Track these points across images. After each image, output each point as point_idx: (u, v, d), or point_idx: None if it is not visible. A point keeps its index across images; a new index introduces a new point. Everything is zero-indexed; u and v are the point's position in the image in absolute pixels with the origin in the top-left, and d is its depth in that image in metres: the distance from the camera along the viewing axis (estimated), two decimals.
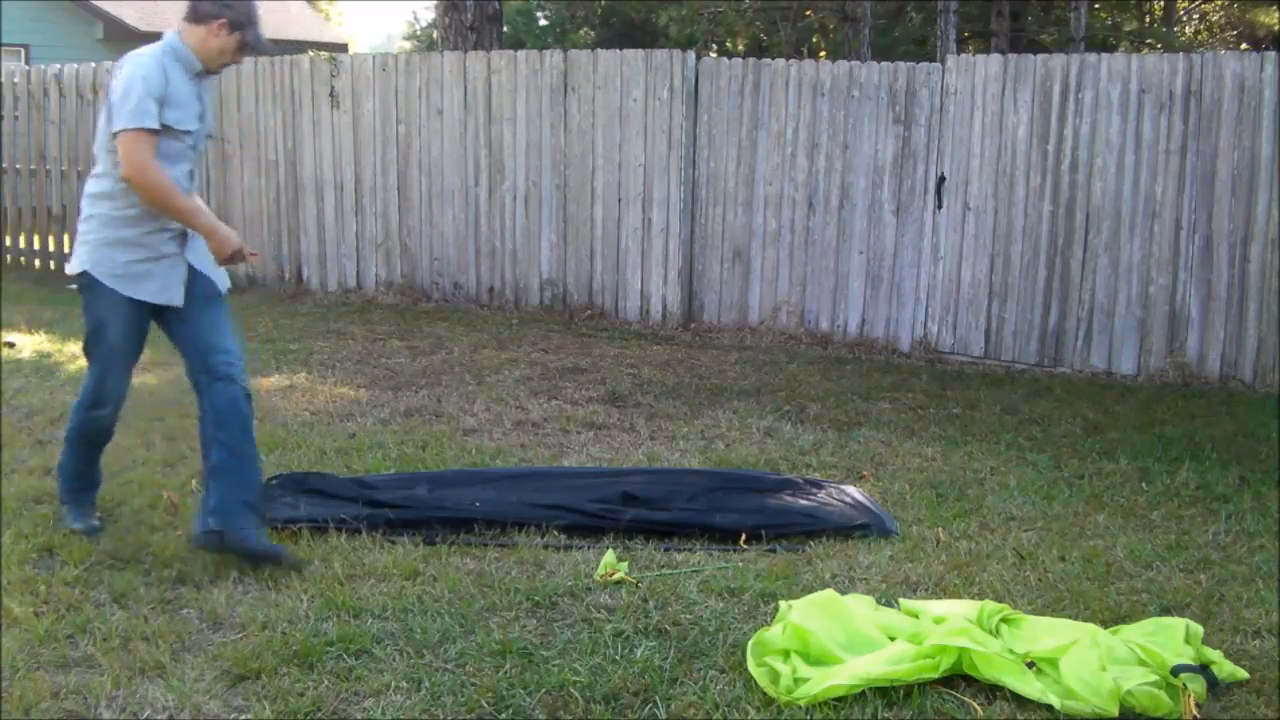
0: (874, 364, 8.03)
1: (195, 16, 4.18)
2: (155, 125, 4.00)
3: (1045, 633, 3.42)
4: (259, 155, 10.37)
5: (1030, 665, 3.24)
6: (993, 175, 8.00)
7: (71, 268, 4.18)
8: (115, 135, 4.02)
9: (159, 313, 4.26)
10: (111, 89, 4.09)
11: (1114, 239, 7.70)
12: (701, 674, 3.29)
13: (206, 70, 4.22)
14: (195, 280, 4.25)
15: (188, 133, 4.16)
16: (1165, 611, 3.75)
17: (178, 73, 4.13)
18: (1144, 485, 5.26)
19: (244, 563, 3.95)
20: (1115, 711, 3.07)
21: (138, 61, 4.08)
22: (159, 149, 4.04)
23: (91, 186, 4.21)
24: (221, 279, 4.35)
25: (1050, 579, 4.07)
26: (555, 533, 4.36)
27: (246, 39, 4.22)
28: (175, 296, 4.21)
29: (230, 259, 4.21)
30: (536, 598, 3.78)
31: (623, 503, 4.56)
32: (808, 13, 18.33)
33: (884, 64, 8.41)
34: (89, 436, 4.33)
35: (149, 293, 4.17)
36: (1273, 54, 7.32)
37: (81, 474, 4.38)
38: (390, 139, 9.84)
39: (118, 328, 4.18)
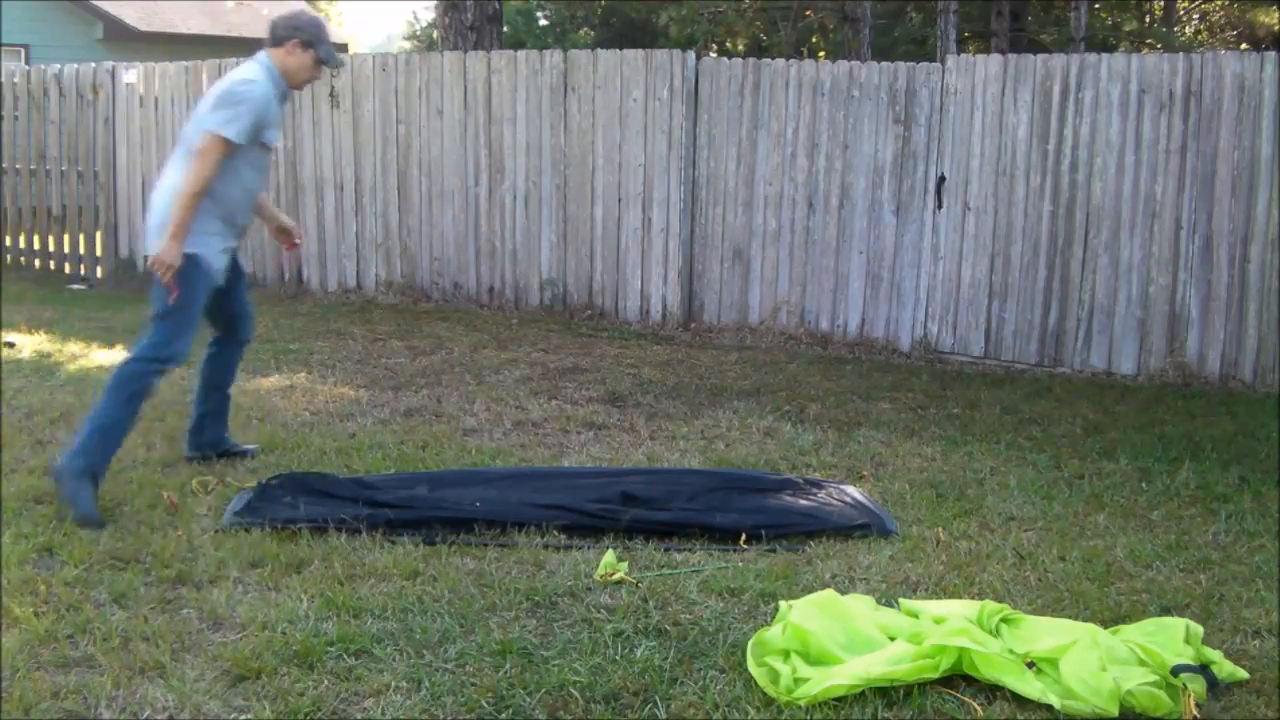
0: (874, 364, 8.03)
1: (274, 40, 4.82)
2: (240, 139, 4.64)
3: (1045, 633, 3.42)
4: None
5: (1030, 665, 3.24)
6: (993, 175, 8.00)
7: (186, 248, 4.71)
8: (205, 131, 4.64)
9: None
10: (219, 92, 4.71)
11: (1114, 239, 7.71)
12: (701, 674, 3.29)
13: (290, 88, 4.89)
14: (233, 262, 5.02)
15: (272, 146, 4.87)
16: (1165, 611, 3.75)
17: (274, 94, 4.79)
18: (1144, 485, 5.26)
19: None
20: (1115, 711, 3.07)
21: (253, 87, 4.70)
22: (250, 160, 4.76)
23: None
24: (238, 263, 5.12)
25: (1050, 579, 4.07)
26: (555, 533, 4.36)
27: (319, 55, 4.82)
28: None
29: (164, 271, 4.63)
30: (536, 598, 3.78)
31: (623, 503, 4.56)
32: (808, 13, 18.33)
33: (884, 64, 8.41)
34: (144, 398, 4.76)
35: (218, 275, 4.88)
36: (1273, 54, 7.33)
37: (118, 441, 4.69)
38: (390, 139, 9.84)
39: (199, 299, 4.79)
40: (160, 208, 4.68)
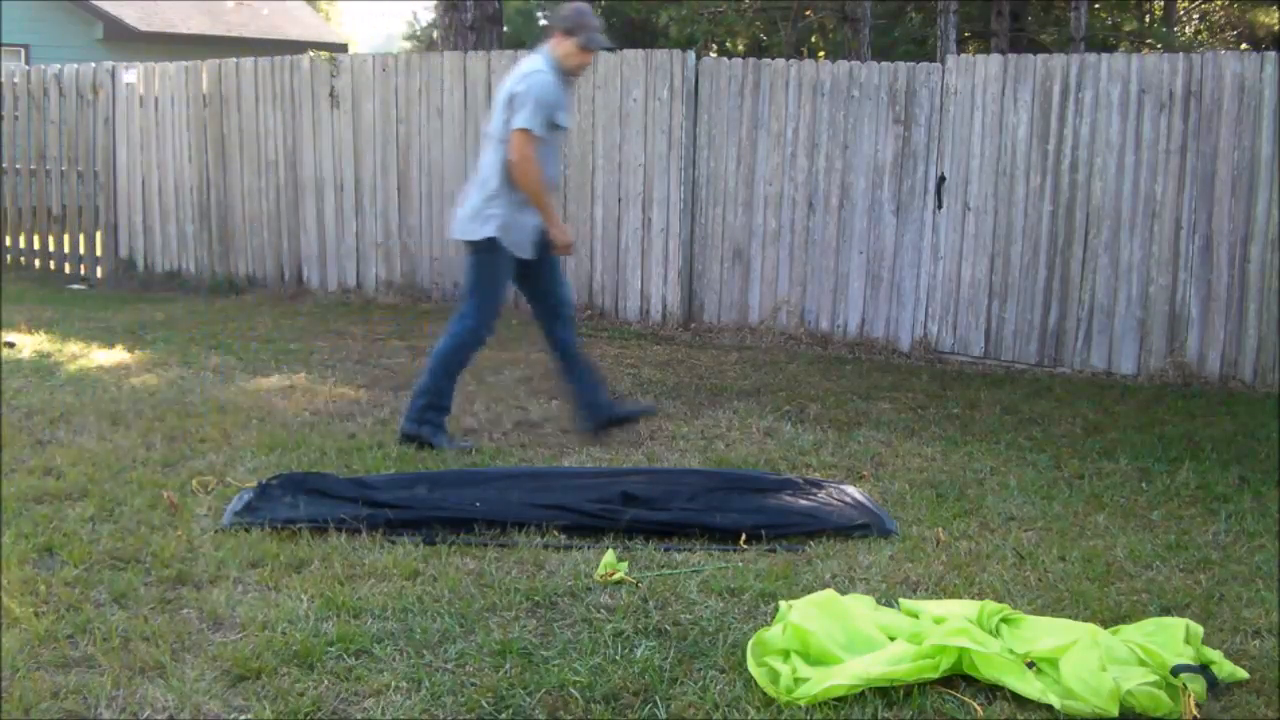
0: (874, 364, 8.03)
1: (548, 31, 5.41)
2: (541, 131, 5.17)
3: (1045, 633, 3.42)
4: (259, 155, 10.37)
5: (1030, 665, 3.24)
6: (993, 175, 8.00)
7: (484, 231, 5.35)
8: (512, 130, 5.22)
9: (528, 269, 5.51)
10: (514, 94, 5.23)
11: (1114, 239, 7.71)
12: (701, 674, 3.29)
13: (569, 75, 5.32)
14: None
15: (564, 130, 5.39)
16: (1165, 611, 3.75)
17: (560, 81, 5.27)
18: (1144, 485, 5.26)
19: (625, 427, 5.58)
20: (1115, 711, 3.07)
21: (540, 78, 5.20)
22: (546, 143, 5.23)
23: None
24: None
25: (1050, 579, 4.07)
26: (555, 533, 4.36)
27: (581, 41, 5.23)
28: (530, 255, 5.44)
29: (562, 252, 5.52)
30: (536, 598, 3.78)
31: (623, 503, 4.56)
32: (808, 13, 18.32)
33: (884, 64, 8.41)
34: (461, 366, 5.51)
35: (523, 252, 5.38)
36: (1273, 54, 7.32)
37: (444, 406, 5.50)
38: (390, 139, 9.84)
39: (505, 274, 5.42)
40: (472, 199, 5.38)
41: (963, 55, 8.53)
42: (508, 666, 3.30)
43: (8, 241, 12.04)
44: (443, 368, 5.47)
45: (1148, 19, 20.26)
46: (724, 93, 8.76)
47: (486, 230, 5.34)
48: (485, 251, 5.36)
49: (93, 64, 11.23)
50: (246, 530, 4.30)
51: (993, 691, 3.20)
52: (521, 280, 5.57)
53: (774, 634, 3.38)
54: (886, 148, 8.28)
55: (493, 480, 4.88)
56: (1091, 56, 7.87)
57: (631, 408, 5.90)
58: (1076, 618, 3.67)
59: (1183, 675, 3.16)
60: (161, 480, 4.89)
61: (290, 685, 3.18)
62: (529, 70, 5.26)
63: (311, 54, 10.47)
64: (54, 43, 18.83)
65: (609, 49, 5.48)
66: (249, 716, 3.04)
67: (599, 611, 3.69)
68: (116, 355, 7.61)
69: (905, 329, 8.36)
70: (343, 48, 23.21)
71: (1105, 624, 3.58)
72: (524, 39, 20.30)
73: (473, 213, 5.38)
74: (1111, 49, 15.95)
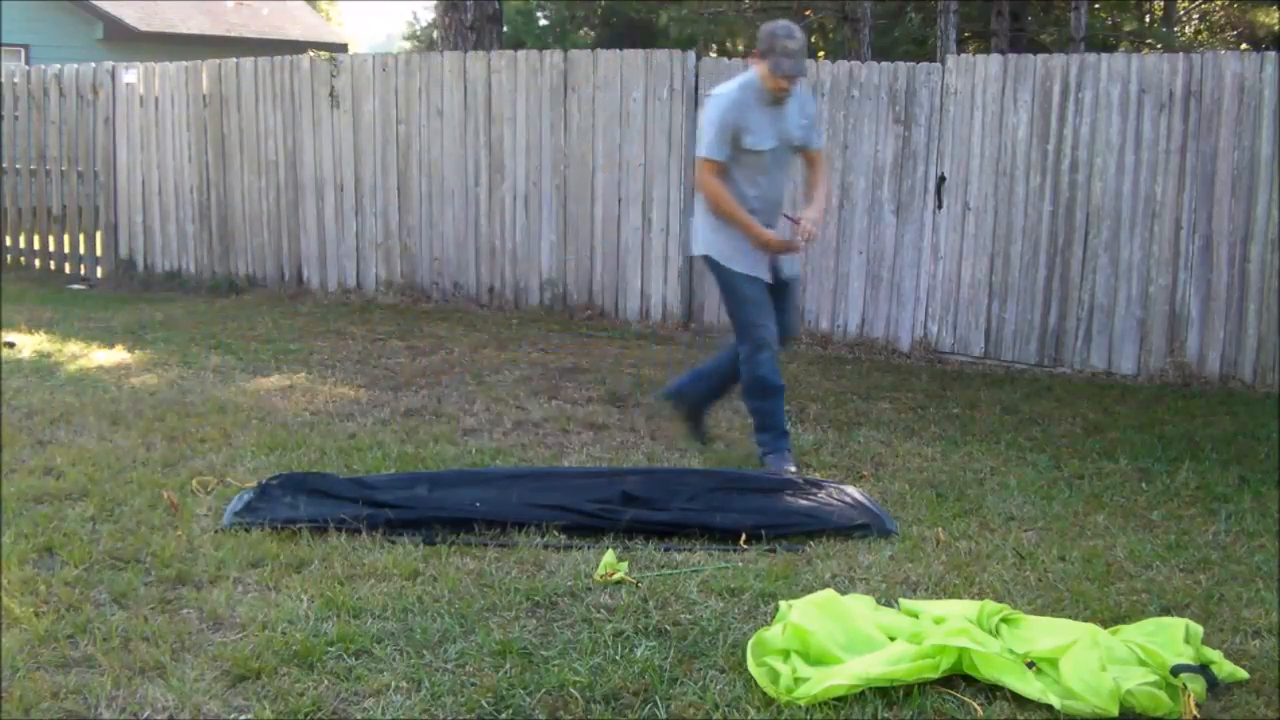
0: (874, 364, 8.03)
1: (752, 50, 5.29)
2: (717, 156, 5.13)
3: (1045, 633, 3.42)
4: (259, 155, 10.37)
5: (1030, 665, 3.24)
6: (993, 175, 8.00)
7: (696, 249, 5.48)
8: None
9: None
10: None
11: (1114, 239, 7.70)
12: (701, 674, 3.29)
13: (773, 95, 5.14)
14: (779, 266, 5.36)
15: (765, 151, 5.17)
16: (1165, 611, 3.75)
17: (754, 104, 5.15)
18: (1144, 485, 5.26)
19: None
20: (1115, 711, 3.07)
21: (714, 103, 5.20)
22: (742, 165, 5.17)
23: None
24: (794, 264, 5.49)
25: (1050, 579, 4.07)
26: (555, 533, 4.36)
27: (770, 65, 5.07)
28: (764, 274, 5.29)
29: (776, 251, 5.29)
30: (536, 598, 3.78)
31: (623, 503, 4.56)
32: (807, 13, 18.32)
33: (884, 64, 8.40)
34: (763, 387, 5.32)
35: (744, 267, 5.27)
36: (1273, 54, 7.32)
37: (772, 426, 5.37)
38: (390, 139, 9.84)
39: (748, 290, 5.28)
40: (698, 212, 5.42)
41: (963, 55, 8.53)
42: (508, 666, 3.30)
43: (8, 241, 12.05)
44: (748, 396, 5.44)
45: (1148, 19, 20.26)
46: None
47: (696, 248, 5.49)
48: (711, 268, 5.41)
49: (93, 64, 11.23)
50: (246, 530, 4.30)
51: (993, 691, 3.20)
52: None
53: (774, 634, 3.38)
54: (886, 148, 8.28)
55: (493, 480, 4.89)
56: (1091, 56, 7.87)
57: (700, 434, 5.74)
58: (1076, 618, 3.67)
59: (1183, 675, 3.16)
60: (161, 480, 4.90)
61: (290, 685, 3.19)
62: (712, 94, 5.32)
63: (311, 54, 10.48)
64: (54, 43, 18.83)
65: (795, 74, 5.13)
66: (249, 716, 3.05)
67: (599, 611, 3.69)
68: (116, 355, 7.61)
69: (905, 329, 8.36)
70: (343, 48, 23.22)
71: (1105, 624, 3.58)
72: (524, 39, 20.33)
73: (691, 229, 5.58)
74: (1111, 49, 15.95)
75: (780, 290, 5.37)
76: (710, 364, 5.74)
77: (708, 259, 5.39)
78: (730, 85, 5.24)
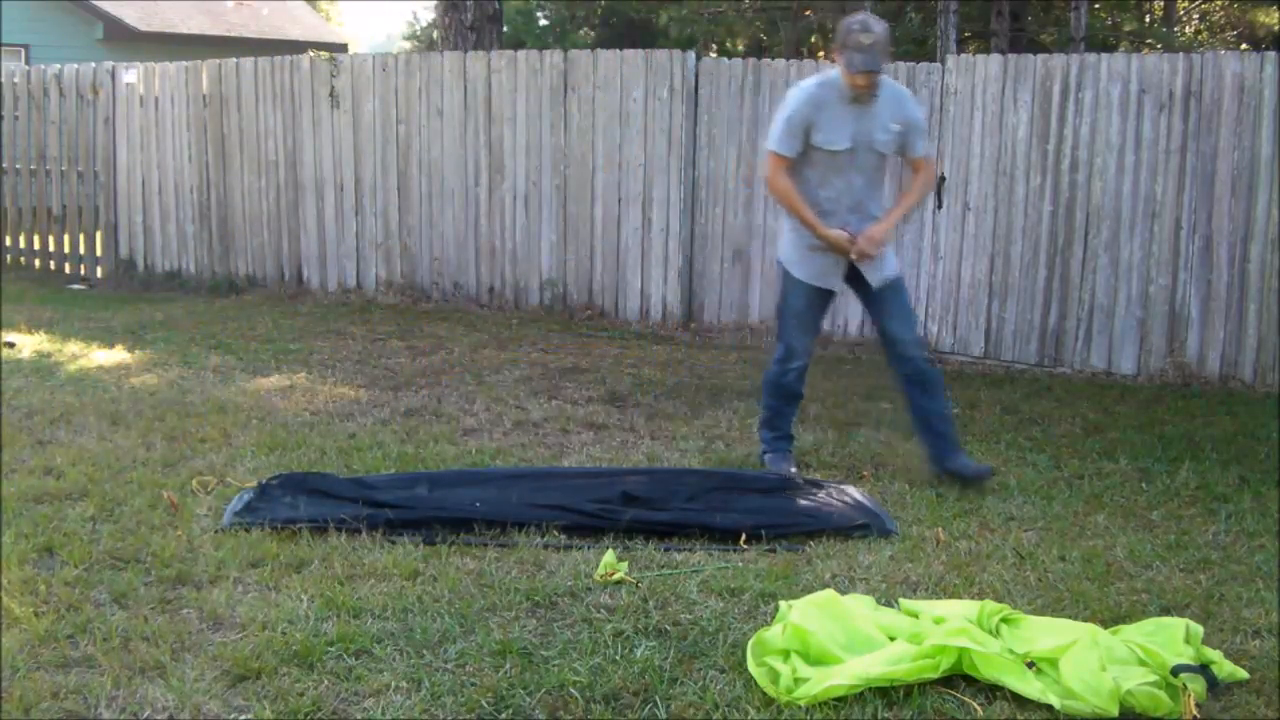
0: (874, 364, 8.01)
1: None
2: (785, 151, 4.99)
3: (1045, 633, 3.42)
4: (259, 155, 10.37)
5: (1030, 665, 3.24)
6: (993, 175, 8.00)
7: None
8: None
9: (861, 295, 5.24)
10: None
11: (1114, 239, 7.70)
12: (701, 674, 3.29)
13: (853, 93, 4.91)
14: (861, 274, 5.10)
15: (839, 151, 4.96)
16: (1165, 611, 3.75)
17: (832, 101, 4.94)
18: (1144, 485, 5.26)
19: (965, 486, 5.00)
20: (1115, 711, 3.07)
21: (789, 96, 5.05)
22: (814, 164, 5.01)
23: None
24: (882, 271, 5.13)
25: (1050, 579, 4.07)
26: (555, 533, 4.36)
27: (844, 62, 4.84)
28: (829, 284, 5.19)
29: (835, 251, 5.05)
30: (536, 598, 3.78)
31: (623, 503, 4.56)
32: (808, 12, 18.31)
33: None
34: (782, 390, 5.28)
35: (805, 275, 5.14)
36: (1273, 54, 7.32)
37: (778, 426, 5.34)
38: (390, 139, 9.84)
39: (796, 298, 5.18)
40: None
41: (963, 55, 8.53)
42: (508, 666, 3.30)
43: (8, 241, 12.05)
44: (766, 391, 5.38)
45: (1148, 19, 20.25)
46: (724, 93, 8.75)
47: (777, 252, 5.39)
48: (777, 268, 5.32)
49: (93, 64, 11.23)
50: (246, 530, 4.30)
51: (993, 691, 3.20)
52: (865, 308, 5.42)
53: (774, 634, 3.38)
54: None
55: (493, 480, 4.89)
56: (1091, 56, 7.87)
57: (975, 469, 5.18)
58: (1076, 618, 3.67)
59: (1183, 675, 3.16)
60: (161, 480, 4.89)
61: (290, 685, 3.18)
62: (790, 90, 5.15)
63: (311, 54, 10.48)
64: (54, 43, 18.83)
65: (868, 70, 4.80)
66: (249, 716, 3.05)
67: (599, 611, 3.69)
68: (116, 355, 7.61)
69: None
70: (343, 48, 23.22)
71: (1105, 624, 3.58)
72: (524, 39, 20.32)
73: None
74: (1111, 49, 15.94)
75: (877, 296, 5.15)
76: (915, 417, 5.27)
77: (778, 263, 5.30)
78: (811, 79, 5.08)
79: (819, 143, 4.97)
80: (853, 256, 5.04)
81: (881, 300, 5.16)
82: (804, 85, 5.05)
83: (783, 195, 5.07)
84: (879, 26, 4.81)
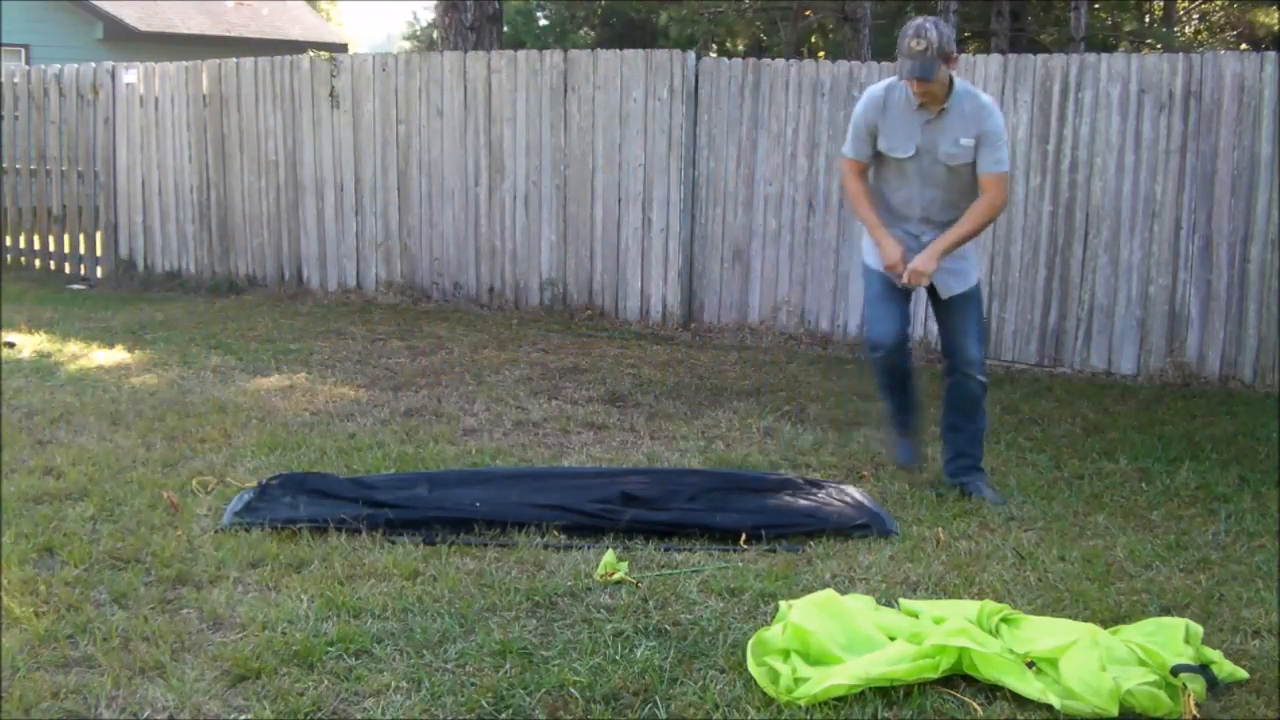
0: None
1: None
2: (850, 154, 4.98)
3: (1045, 633, 3.42)
4: (259, 155, 10.37)
5: (1030, 665, 3.24)
6: None
7: None
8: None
9: (930, 297, 5.12)
10: None
11: (1114, 239, 7.71)
12: (701, 674, 3.29)
13: (920, 100, 4.77)
14: (936, 283, 4.96)
15: (904, 159, 4.85)
16: (1165, 611, 3.75)
17: (898, 107, 4.83)
18: (1144, 485, 5.26)
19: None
20: (1115, 711, 3.07)
21: (860, 100, 4.96)
22: (884, 171, 4.96)
23: None
24: (948, 284, 4.98)
25: (1050, 579, 4.07)
26: (555, 533, 4.36)
27: (898, 68, 4.72)
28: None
29: (887, 266, 4.93)
30: (536, 598, 3.78)
31: (623, 503, 4.56)
32: (808, 13, 18.32)
33: (884, 64, 8.40)
34: (882, 378, 5.18)
35: (877, 263, 5.02)
36: (1273, 54, 7.33)
37: (900, 415, 5.29)
38: (390, 139, 9.84)
39: (873, 286, 5.08)
40: None
41: (963, 55, 8.53)
42: (508, 666, 3.30)
43: (8, 241, 12.05)
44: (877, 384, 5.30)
45: (1148, 19, 20.25)
46: (724, 93, 8.76)
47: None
48: (860, 261, 5.30)
49: (93, 64, 11.23)
50: (246, 530, 4.30)
51: (993, 691, 3.20)
52: (933, 310, 5.27)
53: (774, 634, 3.38)
54: None
55: (493, 480, 4.88)
56: (1091, 56, 7.87)
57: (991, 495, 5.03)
58: (1076, 618, 3.67)
59: (1183, 675, 3.16)
60: (161, 480, 4.89)
61: (290, 685, 3.18)
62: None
63: (311, 54, 10.48)
64: (54, 43, 18.83)
65: (915, 77, 4.63)
66: (249, 716, 3.04)
67: (599, 611, 3.69)
68: (116, 355, 7.61)
69: None
70: (343, 48, 23.21)
71: (1105, 624, 3.58)
72: (524, 39, 20.32)
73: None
74: (1111, 49, 15.95)
75: (944, 306, 5.04)
76: (946, 426, 5.24)
77: (862, 260, 5.26)
78: (881, 82, 4.94)
79: (883, 148, 4.88)
80: (900, 280, 4.89)
81: (948, 311, 5.03)
82: (872, 89, 4.93)
83: (850, 196, 5.10)
84: (934, 32, 4.58)
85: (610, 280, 9.23)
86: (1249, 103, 7.31)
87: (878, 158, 4.95)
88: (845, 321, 8.54)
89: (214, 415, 6.00)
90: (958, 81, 4.78)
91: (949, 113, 4.76)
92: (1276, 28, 18.86)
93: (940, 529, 4.52)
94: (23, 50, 19.01)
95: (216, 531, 4.31)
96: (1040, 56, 7.99)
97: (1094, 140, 7.71)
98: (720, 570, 4.05)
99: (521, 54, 9.46)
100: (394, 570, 3.98)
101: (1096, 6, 17.87)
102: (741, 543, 4.31)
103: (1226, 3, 19.99)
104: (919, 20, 4.71)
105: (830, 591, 3.62)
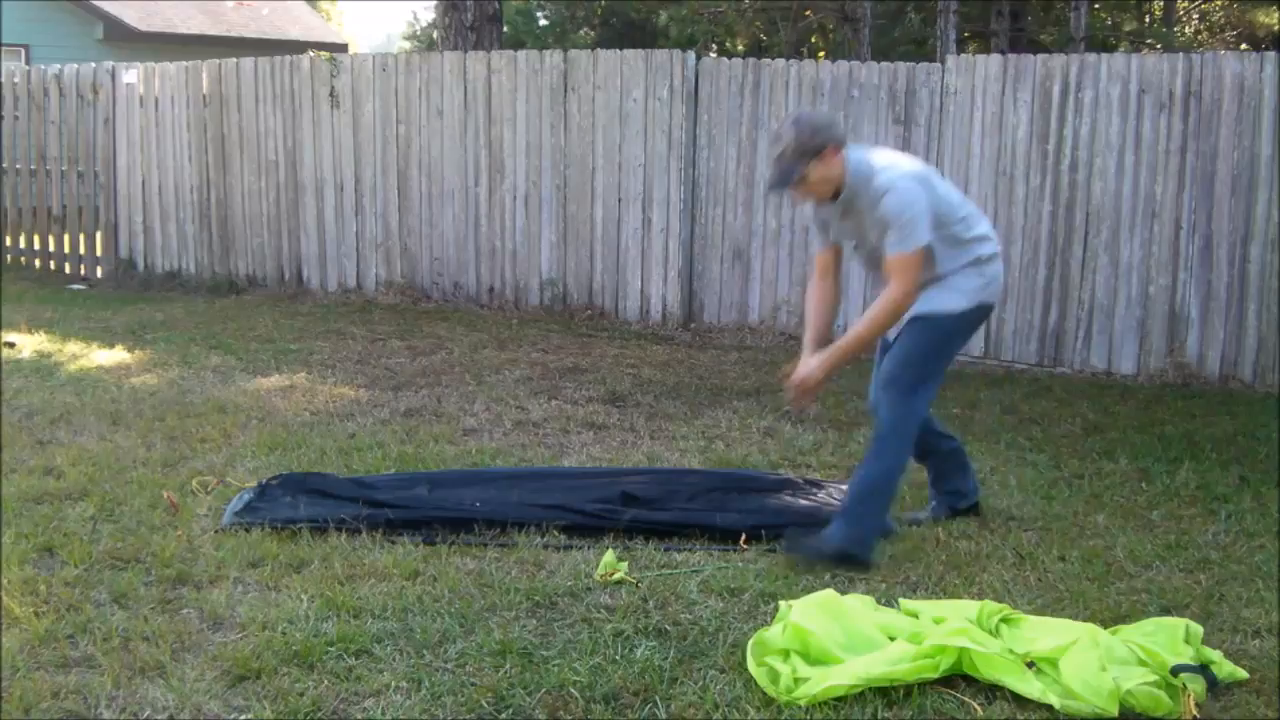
0: (874, 364, 8.01)
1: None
2: (817, 245, 4.74)
3: (1045, 633, 3.42)
4: (259, 155, 10.37)
5: (1030, 665, 3.24)
6: (992, 175, 8.00)
7: None
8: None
9: None
10: None
11: (1114, 239, 7.71)
12: (701, 674, 3.29)
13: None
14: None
15: (854, 249, 4.63)
16: (1165, 611, 3.74)
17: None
18: (1144, 485, 5.26)
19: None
20: (1115, 711, 3.06)
21: None
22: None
23: None
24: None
25: (1050, 579, 4.07)
26: (555, 533, 4.36)
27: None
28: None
29: (781, 379, 4.73)
30: (536, 598, 3.78)
31: (623, 503, 4.56)
32: (808, 13, 18.32)
33: (884, 64, 8.40)
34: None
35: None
36: (1273, 54, 7.33)
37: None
38: (390, 139, 9.84)
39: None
40: None
41: (962, 55, 8.53)
42: (508, 666, 3.30)
43: (8, 241, 12.04)
44: None
45: (1148, 19, 20.26)
46: (724, 93, 8.76)
47: None
48: None
49: (93, 64, 11.23)
50: (246, 530, 4.30)
51: (993, 691, 3.20)
52: None
53: (774, 634, 3.38)
54: (886, 147, 8.27)
55: (493, 480, 4.88)
56: (1091, 56, 7.87)
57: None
58: (1076, 618, 3.67)
59: (1183, 675, 3.16)
60: (161, 480, 4.89)
61: (290, 685, 3.18)
62: None
63: (311, 54, 10.47)
64: (54, 43, 18.83)
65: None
66: (249, 716, 3.04)
67: (599, 611, 3.69)
68: (116, 355, 7.61)
69: None
70: (343, 48, 23.21)
71: (1105, 624, 3.58)
72: (524, 39, 20.32)
73: None
74: (1111, 49, 15.95)
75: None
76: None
77: None
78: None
79: (835, 240, 4.59)
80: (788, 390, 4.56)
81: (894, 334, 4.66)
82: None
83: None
84: (791, 131, 4.14)
85: (610, 280, 9.23)
86: (1249, 103, 7.31)
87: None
88: (845, 322, 8.53)
89: (214, 415, 6.00)
90: (851, 164, 4.22)
91: (855, 200, 4.26)
92: (1276, 28, 18.86)
93: (940, 529, 4.52)
94: (23, 50, 19.01)
95: (216, 531, 4.31)
96: (1040, 56, 7.99)
97: (1094, 140, 7.71)
98: (720, 570, 4.05)
99: (521, 54, 9.46)
100: (394, 570, 3.98)
101: (1096, 6, 17.87)
102: (741, 543, 4.31)
103: (1226, 3, 19.99)
104: (788, 115, 4.44)
105: (830, 591, 3.62)
